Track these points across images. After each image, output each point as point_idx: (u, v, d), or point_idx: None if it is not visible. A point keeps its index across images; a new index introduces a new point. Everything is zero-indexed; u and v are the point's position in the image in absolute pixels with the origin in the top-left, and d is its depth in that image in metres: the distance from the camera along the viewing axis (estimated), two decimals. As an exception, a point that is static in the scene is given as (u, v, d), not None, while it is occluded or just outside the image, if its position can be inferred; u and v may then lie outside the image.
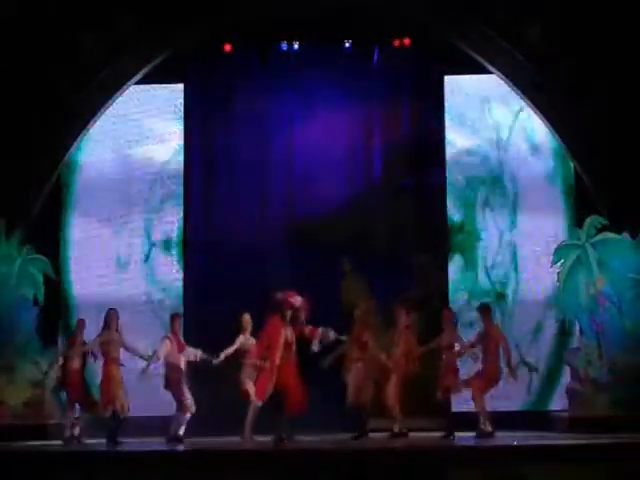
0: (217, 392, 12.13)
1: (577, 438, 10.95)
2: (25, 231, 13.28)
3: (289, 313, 10.90)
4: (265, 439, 10.85)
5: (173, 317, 11.81)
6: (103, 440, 11.18)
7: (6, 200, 13.21)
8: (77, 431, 11.44)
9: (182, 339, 11.64)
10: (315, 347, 11.06)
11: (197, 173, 14.43)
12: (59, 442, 11.38)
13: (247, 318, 11.61)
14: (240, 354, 11.46)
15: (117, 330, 11.60)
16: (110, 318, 11.61)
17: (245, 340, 11.51)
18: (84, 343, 11.71)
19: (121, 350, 11.59)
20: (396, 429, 11.42)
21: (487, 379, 11.24)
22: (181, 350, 11.49)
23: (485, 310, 11.69)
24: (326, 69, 14.27)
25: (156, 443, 11.22)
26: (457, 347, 11.52)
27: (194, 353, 11.56)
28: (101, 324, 11.71)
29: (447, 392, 11.48)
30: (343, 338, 11.33)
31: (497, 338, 11.34)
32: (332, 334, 11.15)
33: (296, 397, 10.70)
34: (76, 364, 11.65)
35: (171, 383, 11.40)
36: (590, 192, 13.26)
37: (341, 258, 13.80)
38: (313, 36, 14.07)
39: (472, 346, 11.39)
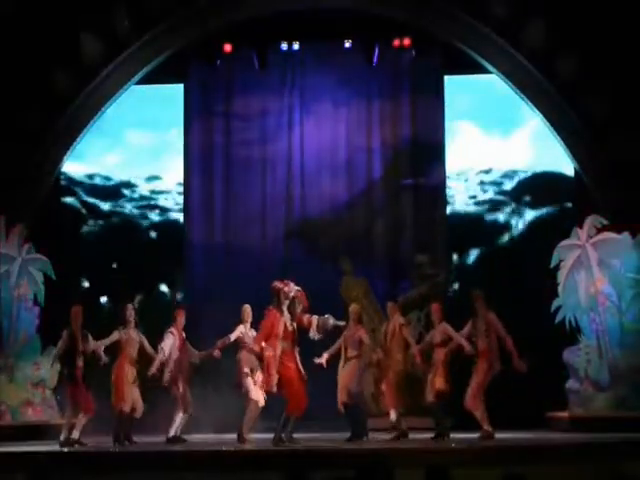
0: (217, 391, 12.13)
1: (577, 438, 10.95)
2: (25, 230, 13.28)
3: (286, 302, 10.78)
4: (263, 438, 10.83)
5: (176, 310, 11.50)
6: (102, 440, 11.13)
7: (6, 200, 13.22)
8: (76, 434, 10.91)
9: (184, 334, 11.37)
10: (314, 335, 10.83)
11: (197, 173, 14.42)
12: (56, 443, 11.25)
13: (247, 308, 11.31)
14: (239, 346, 11.18)
15: (135, 326, 11.12)
16: (127, 313, 11.12)
17: (245, 331, 11.22)
18: (86, 337, 11.03)
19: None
20: (395, 428, 11.24)
21: (486, 370, 10.78)
22: (182, 346, 11.24)
23: (478, 297, 11.07)
24: (326, 69, 14.28)
25: (155, 443, 11.21)
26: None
27: (193, 354, 11.30)
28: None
29: (438, 397, 11.09)
30: (341, 323, 11.06)
31: (493, 326, 10.84)
32: (331, 320, 10.82)
33: (297, 395, 10.55)
34: (80, 360, 10.93)
35: (170, 379, 11.14)
36: (590, 192, 13.26)
37: (341, 258, 13.82)
38: (313, 36, 14.08)
39: (467, 338, 10.92)
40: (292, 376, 10.48)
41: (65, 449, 10.49)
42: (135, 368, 11.08)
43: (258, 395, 11.01)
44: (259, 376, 10.98)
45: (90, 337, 11.07)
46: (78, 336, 10.97)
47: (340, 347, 11.28)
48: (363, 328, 11.40)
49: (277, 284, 10.77)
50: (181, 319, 11.36)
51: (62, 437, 10.92)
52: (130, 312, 11.14)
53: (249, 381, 11.05)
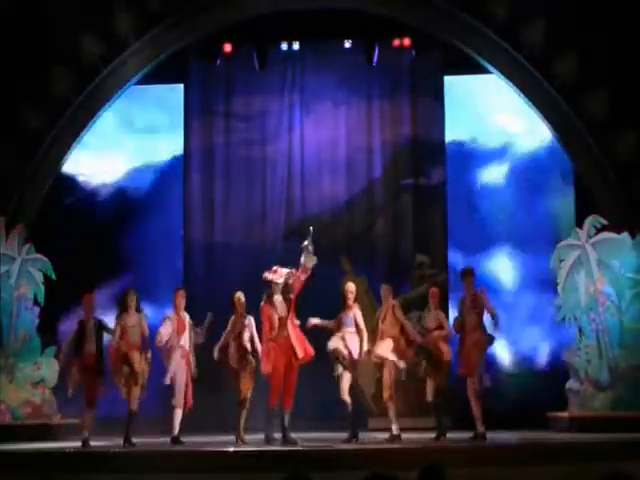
0: (216, 391, 12.13)
1: (577, 438, 10.95)
2: (25, 231, 13.28)
3: (278, 291, 10.82)
4: (257, 438, 10.85)
5: (175, 292, 11.27)
6: (103, 440, 11.13)
7: (6, 200, 13.23)
8: (85, 433, 10.79)
9: (185, 316, 11.18)
10: (306, 261, 10.73)
11: (197, 173, 14.42)
12: (69, 442, 11.17)
13: (238, 296, 11.26)
14: (233, 337, 11.14)
15: (137, 311, 10.97)
16: (128, 299, 10.96)
17: (237, 320, 11.19)
18: (99, 325, 10.97)
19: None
20: (394, 430, 10.99)
21: (477, 349, 10.83)
22: (181, 332, 11.03)
23: (467, 274, 11.14)
24: (326, 69, 14.29)
25: (155, 443, 11.20)
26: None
27: (197, 335, 11.11)
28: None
29: (438, 388, 11.07)
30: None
31: (481, 301, 10.88)
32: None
33: (278, 386, 10.61)
34: (91, 348, 10.85)
35: (168, 370, 11.00)
36: (590, 192, 13.26)
37: (341, 258, 13.81)
38: (313, 36, 14.09)
39: (458, 321, 11.01)
40: (278, 366, 10.55)
41: (66, 449, 10.47)
42: (138, 353, 10.91)
43: (245, 390, 11.03)
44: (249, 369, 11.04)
45: (104, 324, 11.02)
46: (90, 324, 10.94)
47: (333, 325, 11.04)
48: (358, 308, 11.09)
49: (266, 275, 10.78)
50: (180, 301, 11.18)
51: (84, 437, 10.79)
52: (131, 297, 11.00)
53: (245, 377, 11.05)
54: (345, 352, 10.88)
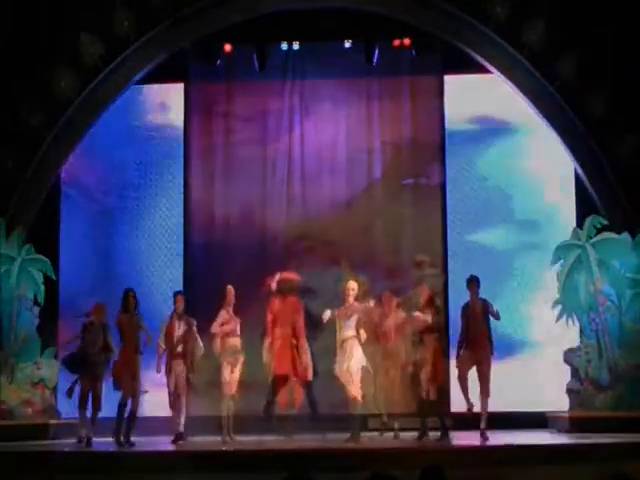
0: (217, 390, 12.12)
1: (577, 438, 10.95)
2: (25, 231, 13.29)
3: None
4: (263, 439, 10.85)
5: (174, 296, 11.48)
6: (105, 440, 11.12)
7: (6, 201, 13.23)
8: (84, 432, 10.92)
9: (180, 321, 11.28)
10: None
11: (197, 173, 14.41)
12: (69, 443, 11.22)
13: (231, 290, 11.45)
14: (223, 333, 11.27)
15: (135, 312, 11.08)
16: (127, 300, 11.06)
17: (227, 315, 11.32)
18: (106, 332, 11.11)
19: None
20: (395, 426, 11.23)
21: (465, 358, 10.85)
22: (169, 335, 11.16)
23: (472, 282, 11.12)
24: (326, 69, 14.29)
25: (155, 443, 11.20)
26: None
27: (197, 345, 11.25)
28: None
29: (434, 384, 11.03)
30: None
31: (480, 308, 10.88)
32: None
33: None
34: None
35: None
36: (590, 192, 13.26)
37: (341, 259, 13.79)
38: (313, 36, 14.09)
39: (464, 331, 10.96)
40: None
41: (66, 449, 10.48)
42: (137, 355, 10.99)
43: (229, 388, 11.10)
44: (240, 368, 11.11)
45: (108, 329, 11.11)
46: (92, 329, 11.05)
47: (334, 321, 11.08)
48: (358, 304, 11.11)
49: (289, 275, 10.92)
50: (179, 306, 11.32)
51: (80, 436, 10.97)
52: (130, 298, 11.07)
53: (228, 374, 11.09)
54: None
